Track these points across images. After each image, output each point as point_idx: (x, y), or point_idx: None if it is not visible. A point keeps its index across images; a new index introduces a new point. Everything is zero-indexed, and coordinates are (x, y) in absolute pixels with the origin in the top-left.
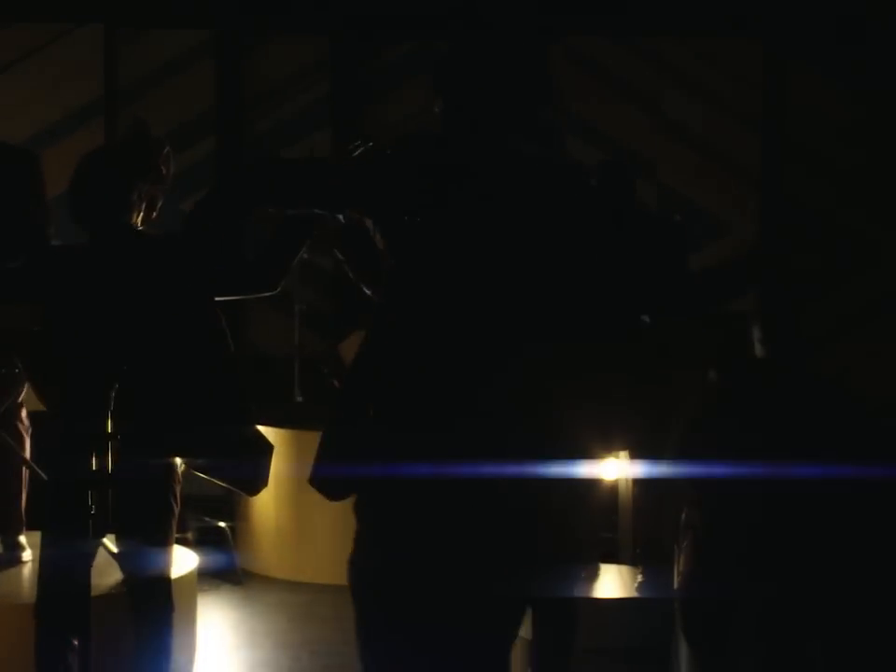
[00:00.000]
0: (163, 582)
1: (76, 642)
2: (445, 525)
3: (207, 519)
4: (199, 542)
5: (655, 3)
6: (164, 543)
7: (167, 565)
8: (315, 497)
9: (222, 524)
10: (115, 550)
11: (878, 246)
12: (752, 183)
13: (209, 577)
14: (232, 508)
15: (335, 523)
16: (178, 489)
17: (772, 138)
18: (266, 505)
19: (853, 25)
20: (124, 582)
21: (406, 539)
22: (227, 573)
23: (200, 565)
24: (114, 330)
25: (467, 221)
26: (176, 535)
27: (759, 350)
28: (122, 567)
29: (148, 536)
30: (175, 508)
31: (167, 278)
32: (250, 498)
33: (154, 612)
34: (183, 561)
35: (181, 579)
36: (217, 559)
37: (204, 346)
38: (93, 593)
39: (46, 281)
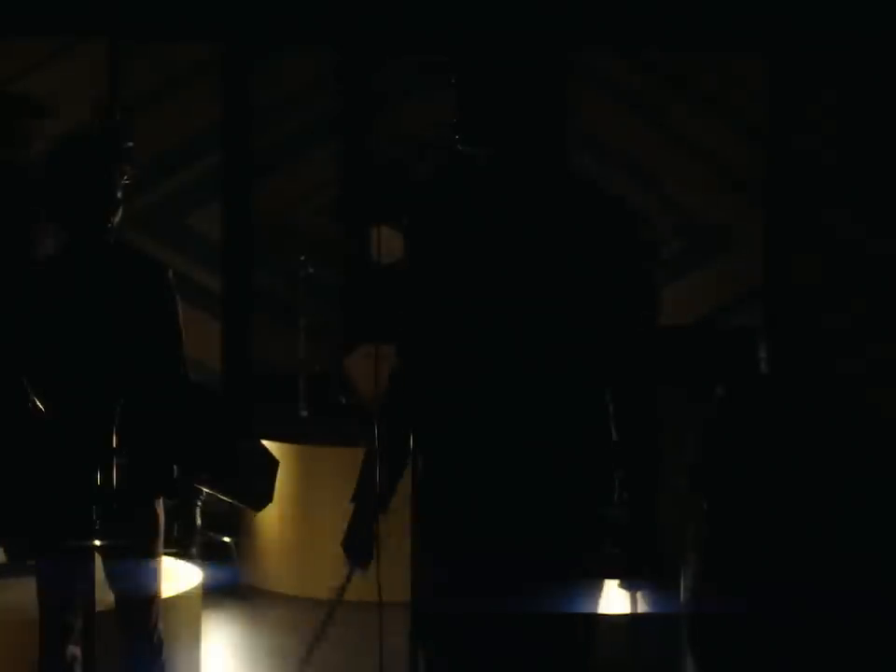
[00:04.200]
0: (151, 600)
1: (79, 656)
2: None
3: (212, 534)
4: (203, 557)
5: (661, 16)
6: (151, 558)
7: (155, 581)
8: (320, 511)
9: (227, 539)
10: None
11: (884, 260)
12: (757, 196)
13: (214, 592)
14: (237, 523)
15: (340, 538)
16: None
17: (778, 151)
18: (271, 520)
19: (855, 36)
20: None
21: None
22: (231, 588)
23: (204, 580)
24: (110, 345)
25: (504, 248)
26: (181, 550)
27: (766, 366)
28: (110, 584)
29: (135, 551)
30: (161, 522)
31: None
32: (255, 513)
33: (140, 631)
34: (187, 576)
35: (185, 594)
36: (221, 574)
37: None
38: (97, 608)
39: (31, 298)
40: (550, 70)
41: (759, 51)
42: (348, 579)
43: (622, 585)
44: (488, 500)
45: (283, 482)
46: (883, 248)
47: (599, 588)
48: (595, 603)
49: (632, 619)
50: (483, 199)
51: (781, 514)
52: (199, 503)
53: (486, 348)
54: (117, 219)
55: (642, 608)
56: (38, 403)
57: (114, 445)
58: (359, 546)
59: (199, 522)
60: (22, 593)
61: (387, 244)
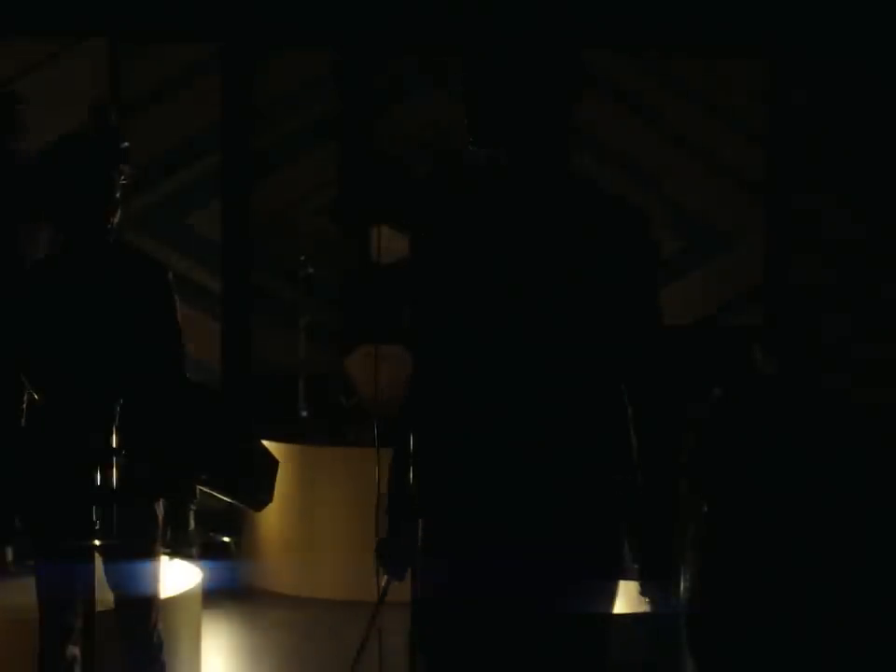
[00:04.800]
0: (151, 601)
1: (79, 656)
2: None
3: (212, 534)
4: (204, 557)
5: (662, 18)
6: (151, 558)
7: (155, 581)
8: (320, 511)
9: (227, 538)
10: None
11: (883, 260)
12: (757, 196)
13: (214, 592)
14: (237, 523)
15: (341, 538)
16: (191, 507)
17: (777, 151)
18: (271, 520)
19: (855, 37)
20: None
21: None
22: (231, 588)
23: (204, 580)
24: (110, 346)
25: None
26: (174, 552)
27: (764, 366)
28: (110, 584)
29: (134, 550)
30: (160, 523)
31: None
32: (255, 513)
33: (140, 631)
34: (187, 576)
35: (185, 594)
36: (221, 574)
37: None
38: (97, 608)
39: (29, 300)
40: (561, 72)
41: (759, 51)
42: (384, 590)
43: (637, 589)
44: (500, 502)
45: (283, 482)
46: (883, 248)
47: (608, 590)
48: (604, 605)
49: (632, 619)
50: (493, 200)
51: (780, 514)
52: (193, 506)
53: (498, 350)
54: (115, 219)
55: (642, 608)
56: (38, 403)
57: (114, 445)
58: (396, 557)
59: (192, 524)
60: (22, 593)
61: (387, 244)
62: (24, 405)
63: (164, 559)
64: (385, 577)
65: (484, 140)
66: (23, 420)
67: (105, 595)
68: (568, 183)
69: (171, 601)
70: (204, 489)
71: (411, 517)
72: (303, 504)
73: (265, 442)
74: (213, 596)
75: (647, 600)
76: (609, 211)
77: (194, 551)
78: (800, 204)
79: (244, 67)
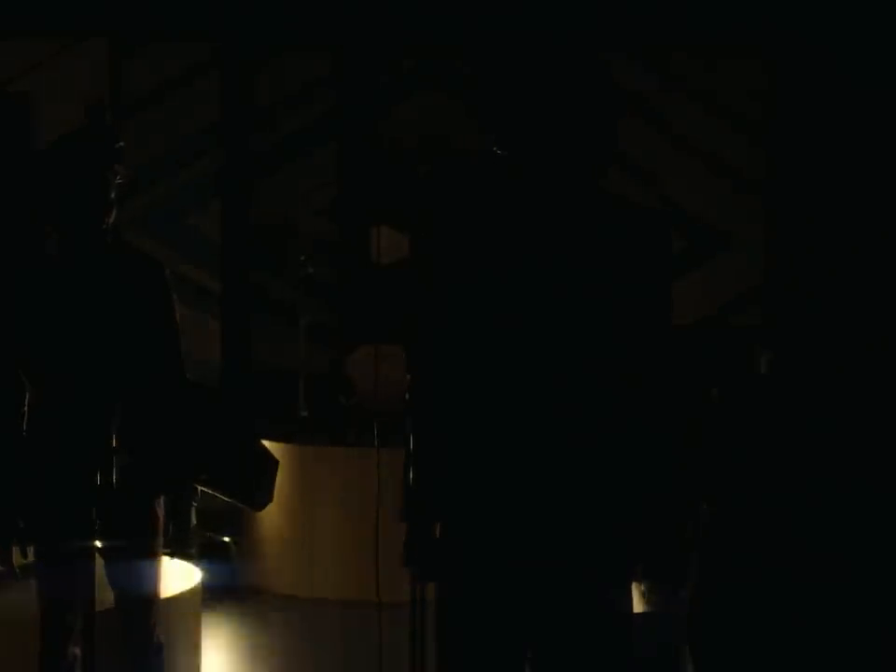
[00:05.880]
0: (151, 600)
1: (79, 655)
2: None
3: (211, 534)
4: (203, 557)
5: (661, 15)
6: (151, 558)
7: (155, 580)
8: (320, 511)
9: (227, 538)
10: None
11: (885, 260)
12: (757, 196)
13: (214, 592)
14: (237, 523)
15: (341, 538)
16: (192, 504)
17: (778, 150)
18: (271, 520)
19: (855, 34)
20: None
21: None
22: (231, 588)
23: (204, 580)
24: (109, 347)
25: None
26: (176, 550)
27: (764, 366)
28: (110, 584)
29: (135, 550)
30: (160, 522)
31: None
32: (255, 513)
33: (140, 631)
34: (187, 576)
35: (185, 594)
36: (221, 574)
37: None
38: (97, 608)
39: (28, 301)
40: (586, 80)
41: (758, 51)
42: (421, 592)
43: (640, 588)
44: (514, 504)
45: (283, 482)
46: (883, 248)
47: (624, 590)
48: (622, 605)
49: (636, 619)
50: (506, 200)
51: (780, 514)
52: (194, 503)
53: (509, 351)
54: (111, 219)
55: (642, 607)
56: (38, 403)
57: (114, 445)
58: (424, 560)
59: (194, 521)
60: (22, 593)
61: (387, 244)
62: (26, 405)
63: (165, 559)
64: (420, 584)
65: (510, 142)
66: (25, 420)
67: (105, 595)
68: (587, 189)
69: (171, 601)
70: (204, 489)
71: (428, 517)
72: (303, 504)
73: (265, 442)
74: (213, 596)
75: (649, 600)
76: (627, 215)
77: (194, 550)
78: (800, 204)
79: (244, 67)
